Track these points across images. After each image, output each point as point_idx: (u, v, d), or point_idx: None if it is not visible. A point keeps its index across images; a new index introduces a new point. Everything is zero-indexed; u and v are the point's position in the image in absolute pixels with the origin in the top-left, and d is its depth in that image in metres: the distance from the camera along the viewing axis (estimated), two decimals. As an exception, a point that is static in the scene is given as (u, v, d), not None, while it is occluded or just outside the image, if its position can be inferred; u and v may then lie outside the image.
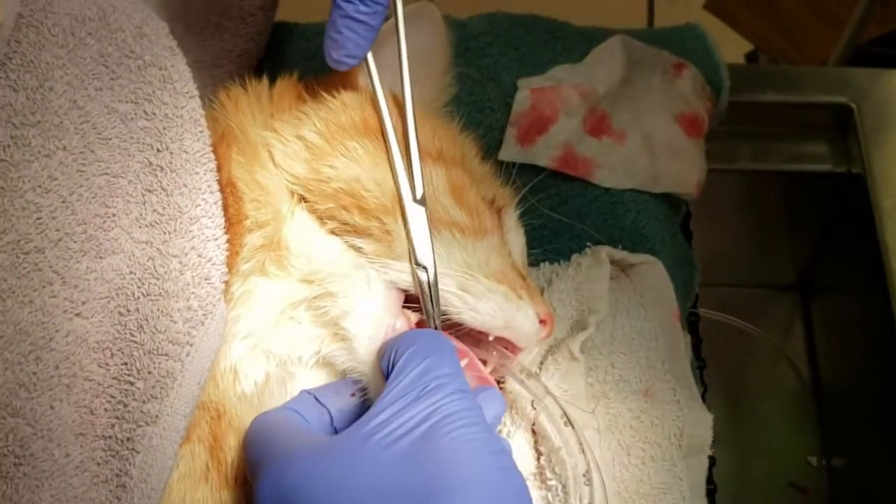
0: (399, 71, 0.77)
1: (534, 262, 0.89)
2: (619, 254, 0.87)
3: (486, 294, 0.73)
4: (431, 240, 0.73)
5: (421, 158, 0.76)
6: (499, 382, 0.78)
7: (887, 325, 1.08)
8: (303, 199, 0.75)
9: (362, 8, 0.72)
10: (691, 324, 1.00)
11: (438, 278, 0.73)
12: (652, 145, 0.94)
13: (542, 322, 0.75)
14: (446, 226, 0.75)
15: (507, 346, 0.76)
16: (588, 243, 0.89)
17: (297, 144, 0.75)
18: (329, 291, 0.73)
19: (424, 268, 0.72)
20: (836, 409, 1.29)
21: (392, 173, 0.75)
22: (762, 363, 1.36)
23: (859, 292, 1.22)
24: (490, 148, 0.94)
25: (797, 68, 1.30)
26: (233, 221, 0.71)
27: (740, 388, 1.33)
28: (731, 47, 1.96)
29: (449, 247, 0.74)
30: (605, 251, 0.86)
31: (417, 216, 0.73)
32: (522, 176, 0.90)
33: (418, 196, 0.74)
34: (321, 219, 0.75)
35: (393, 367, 0.66)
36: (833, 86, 1.17)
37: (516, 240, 0.84)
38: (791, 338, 1.38)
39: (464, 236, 0.75)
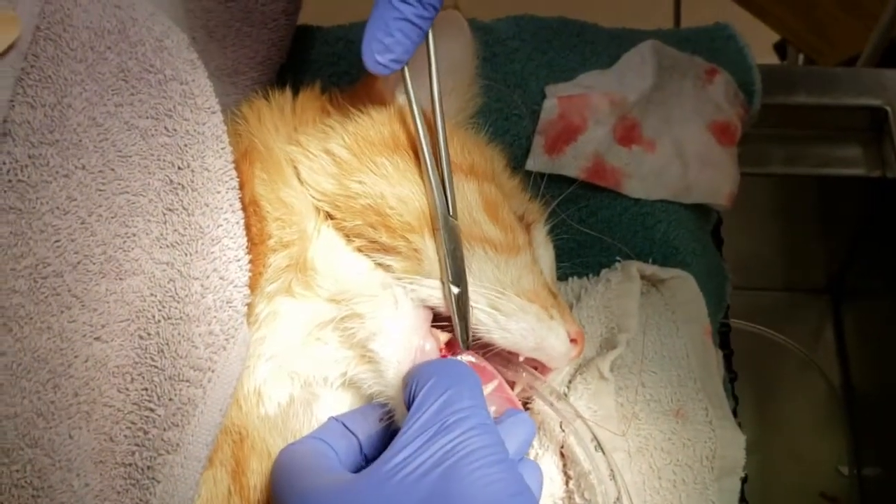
0: (429, 84, 0.75)
1: (562, 276, 0.87)
2: (650, 269, 0.85)
3: (517, 313, 0.71)
4: (464, 256, 0.71)
5: (453, 174, 0.74)
6: (526, 404, 0.77)
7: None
8: (329, 216, 0.73)
9: (421, 11, 0.70)
10: (722, 335, 0.98)
11: (470, 296, 0.71)
12: (683, 154, 0.92)
13: (572, 341, 0.73)
14: (479, 242, 0.73)
15: (537, 366, 0.74)
16: (618, 257, 0.87)
17: (325, 159, 0.74)
18: (356, 312, 0.71)
19: (456, 285, 0.71)
20: (868, 417, 1.27)
21: (426, 189, 0.73)
22: (792, 371, 1.34)
23: (891, 297, 1.20)
24: (517, 157, 0.93)
25: (830, 70, 1.27)
26: (255, 241, 0.70)
27: (770, 397, 1.31)
28: (760, 38, 1.93)
29: (481, 264, 0.73)
30: (635, 266, 0.84)
31: (452, 232, 0.72)
32: (551, 187, 0.88)
33: (450, 213, 0.72)
34: (348, 237, 0.73)
35: (413, 400, 0.64)
36: (867, 88, 1.14)
37: (546, 256, 0.82)
38: (821, 343, 1.36)
39: (497, 253, 0.74)
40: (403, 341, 0.71)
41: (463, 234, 0.72)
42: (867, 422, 1.27)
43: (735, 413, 0.86)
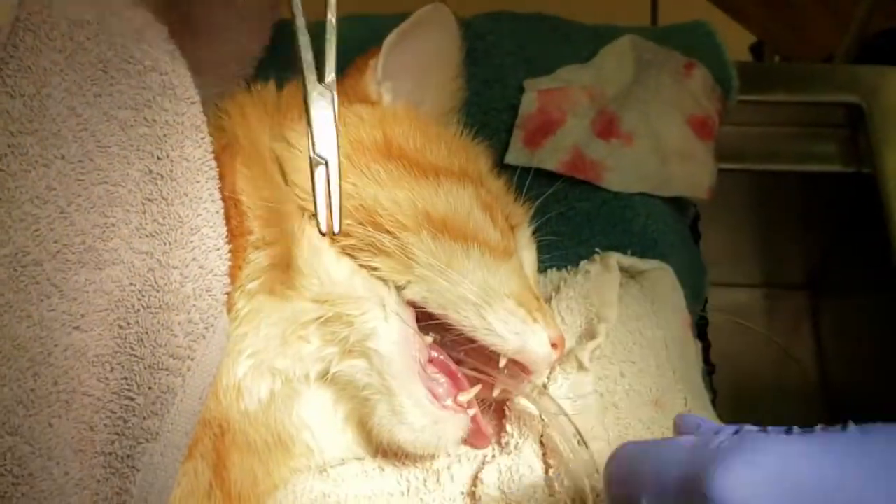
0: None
1: (541, 268, 0.87)
2: (629, 260, 0.85)
3: (503, 315, 0.72)
4: (336, 130, 0.65)
5: (444, 177, 0.74)
6: (505, 399, 0.78)
7: (897, 326, 1.07)
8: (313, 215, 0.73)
9: None
10: (700, 327, 0.98)
11: (462, 295, 0.71)
12: (662, 148, 0.92)
13: (553, 345, 0.74)
14: (478, 243, 0.74)
15: (519, 367, 0.75)
16: (597, 249, 0.87)
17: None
18: (343, 313, 0.71)
19: (324, 160, 0.64)
20: (845, 411, 1.27)
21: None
22: (770, 365, 1.35)
23: (869, 293, 1.21)
24: (496, 152, 0.93)
25: (806, 66, 1.28)
26: (235, 234, 0.70)
27: (748, 390, 1.31)
28: (736, 39, 1.94)
29: (475, 265, 0.73)
30: (614, 258, 0.84)
31: (321, 105, 0.65)
32: (532, 185, 0.88)
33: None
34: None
35: None
36: (843, 84, 1.15)
37: (528, 257, 0.83)
38: (799, 338, 1.36)
39: (491, 256, 0.74)
40: (401, 340, 0.72)
41: (462, 236, 0.73)
42: (844, 416, 1.28)
43: (713, 405, 0.86)
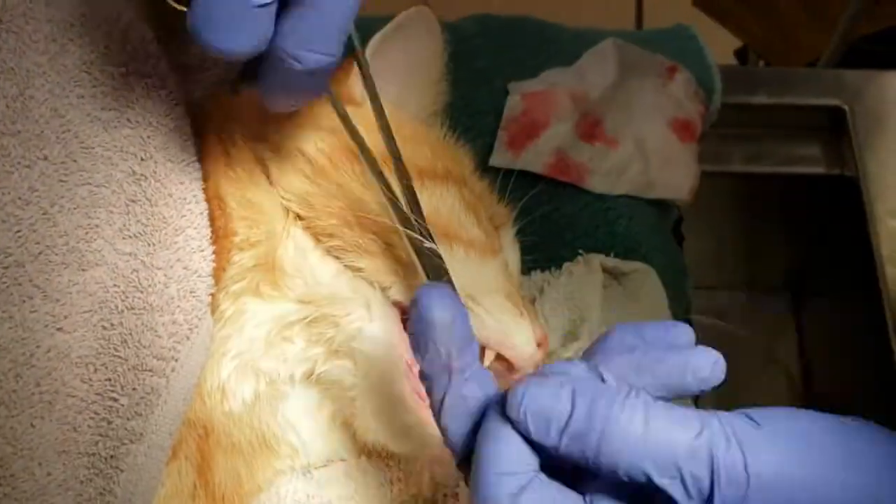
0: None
1: (525, 269, 0.88)
2: (612, 262, 0.86)
3: (492, 308, 0.72)
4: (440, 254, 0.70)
5: (427, 179, 0.74)
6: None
7: (879, 330, 1.08)
8: (298, 217, 0.73)
9: None
10: (683, 331, 0.99)
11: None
12: (645, 151, 0.93)
13: (537, 345, 0.74)
14: (461, 243, 0.73)
15: (504, 366, 0.75)
16: (580, 250, 0.88)
17: (298, 158, 0.73)
18: (328, 313, 0.71)
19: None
20: (829, 413, 1.28)
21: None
22: (753, 367, 1.35)
23: (851, 295, 1.22)
24: (480, 153, 0.93)
25: (790, 70, 1.29)
26: (219, 235, 0.70)
27: (731, 392, 1.31)
28: (720, 44, 1.95)
29: (462, 265, 0.72)
30: (597, 259, 0.85)
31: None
32: (515, 187, 0.88)
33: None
34: (318, 237, 0.73)
35: None
36: (826, 87, 1.16)
37: (512, 258, 0.83)
38: (782, 341, 1.37)
39: (477, 255, 0.74)
40: (386, 340, 0.71)
41: (445, 236, 0.72)
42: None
43: (696, 406, 0.86)
